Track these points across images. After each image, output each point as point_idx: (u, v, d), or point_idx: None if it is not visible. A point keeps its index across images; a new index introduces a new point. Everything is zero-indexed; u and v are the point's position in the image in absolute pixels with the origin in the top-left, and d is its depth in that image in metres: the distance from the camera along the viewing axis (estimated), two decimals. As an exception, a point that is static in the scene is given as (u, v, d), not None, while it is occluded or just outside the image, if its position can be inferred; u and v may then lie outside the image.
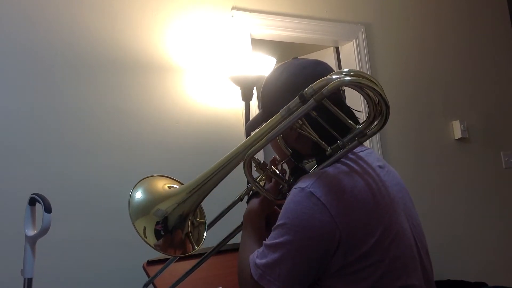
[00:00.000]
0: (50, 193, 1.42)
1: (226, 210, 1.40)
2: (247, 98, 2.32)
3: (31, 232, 1.36)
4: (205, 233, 1.25)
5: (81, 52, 2.23)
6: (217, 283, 1.78)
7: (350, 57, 3.06)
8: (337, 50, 3.19)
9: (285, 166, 1.28)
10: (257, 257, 1.09)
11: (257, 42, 2.74)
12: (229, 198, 1.41)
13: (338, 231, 1.02)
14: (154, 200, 1.21)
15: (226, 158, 1.18)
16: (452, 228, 3.16)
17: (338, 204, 1.03)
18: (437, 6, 3.46)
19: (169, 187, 1.26)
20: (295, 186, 1.09)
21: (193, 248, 1.21)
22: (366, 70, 3.00)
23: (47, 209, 1.31)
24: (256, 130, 1.16)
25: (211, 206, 1.34)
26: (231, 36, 2.60)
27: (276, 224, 1.08)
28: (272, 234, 1.08)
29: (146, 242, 1.16)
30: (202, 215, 1.28)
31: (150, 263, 1.84)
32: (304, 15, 2.87)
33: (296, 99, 1.07)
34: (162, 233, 1.17)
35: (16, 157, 2.03)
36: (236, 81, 2.32)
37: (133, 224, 1.16)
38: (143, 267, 1.84)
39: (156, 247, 1.17)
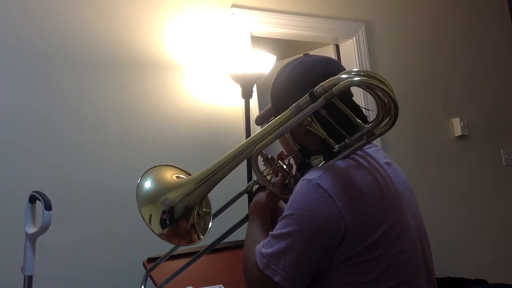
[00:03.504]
0: (50, 191, 1.42)
1: (232, 200, 1.41)
2: (247, 95, 2.32)
3: (31, 230, 1.36)
4: (210, 223, 1.26)
5: (81, 50, 2.23)
6: (217, 280, 1.78)
7: (350, 55, 3.05)
8: (337, 47, 3.19)
9: (291, 161, 1.28)
10: (263, 247, 1.09)
11: (257, 40, 2.74)
12: (231, 194, 1.41)
13: (344, 223, 1.02)
14: (162, 189, 1.23)
15: (234, 151, 1.19)
16: (452, 225, 3.16)
17: (344, 196, 1.04)
18: (437, 4, 3.46)
19: (177, 177, 1.27)
20: (302, 178, 1.10)
21: (199, 238, 1.22)
22: (366, 67, 2.99)
23: (47, 206, 1.31)
24: (265, 125, 1.17)
25: (213, 201, 1.34)
26: (231, 34, 2.60)
27: (283, 214, 1.09)
28: (279, 224, 1.09)
29: (150, 228, 1.17)
30: (208, 205, 1.29)
31: (151, 260, 1.84)
32: (304, 12, 2.87)
33: (306, 97, 1.08)
34: (168, 223, 1.19)
35: (17, 154, 2.03)
36: (236, 79, 2.32)
37: (139, 210, 1.17)
38: (144, 264, 1.85)
39: (161, 236, 1.18)
